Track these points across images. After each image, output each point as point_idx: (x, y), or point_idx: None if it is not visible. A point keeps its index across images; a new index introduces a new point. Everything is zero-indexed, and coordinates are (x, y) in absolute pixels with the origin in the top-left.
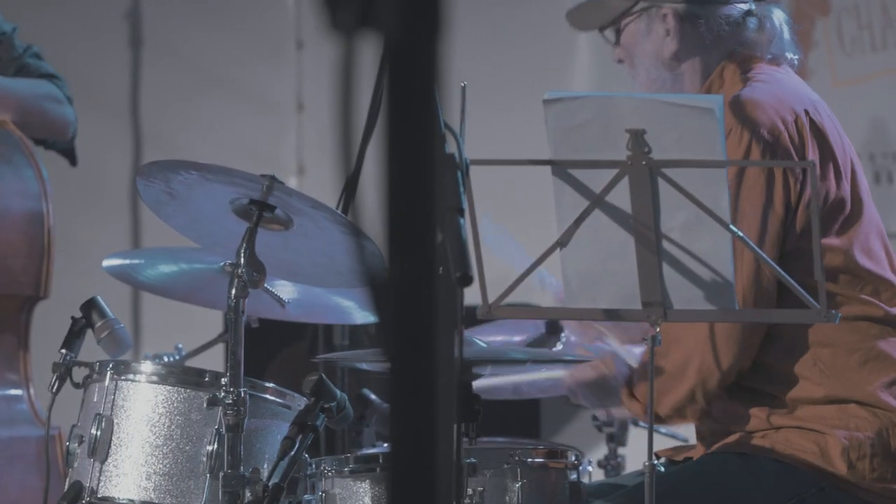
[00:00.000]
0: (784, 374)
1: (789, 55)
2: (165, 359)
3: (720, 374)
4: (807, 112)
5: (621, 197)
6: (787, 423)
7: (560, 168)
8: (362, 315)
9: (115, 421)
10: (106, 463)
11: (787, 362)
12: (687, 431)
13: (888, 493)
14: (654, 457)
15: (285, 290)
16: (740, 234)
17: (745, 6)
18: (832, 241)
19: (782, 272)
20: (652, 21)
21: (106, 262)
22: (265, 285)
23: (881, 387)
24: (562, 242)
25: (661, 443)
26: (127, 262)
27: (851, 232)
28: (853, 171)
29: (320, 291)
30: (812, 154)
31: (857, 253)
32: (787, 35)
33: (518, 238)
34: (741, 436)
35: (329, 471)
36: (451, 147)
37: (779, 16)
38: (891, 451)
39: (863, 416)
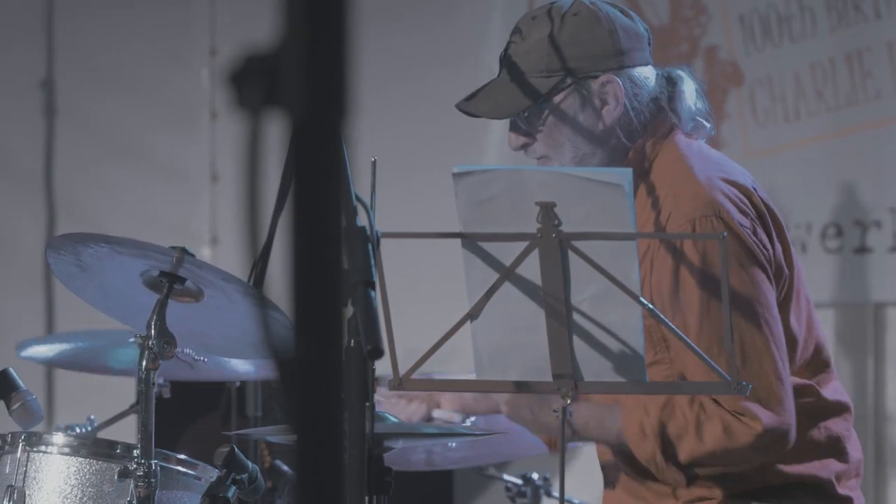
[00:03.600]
0: None
1: (707, 125)
2: (77, 430)
3: None
4: (755, 189)
5: (531, 269)
6: None
7: (470, 241)
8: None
9: (28, 493)
10: None
11: None
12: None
13: None
14: None
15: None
16: (650, 306)
17: (659, 71)
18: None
19: (689, 342)
20: (589, 93)
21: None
22: (177, 351)
23: None
24: (472, 315)
25: None
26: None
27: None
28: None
29: None
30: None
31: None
32: (700, 104)
33: (428, 310)
34: None
35: None
36: (362, 220)
37: (689, 85)
38: None
39: None
